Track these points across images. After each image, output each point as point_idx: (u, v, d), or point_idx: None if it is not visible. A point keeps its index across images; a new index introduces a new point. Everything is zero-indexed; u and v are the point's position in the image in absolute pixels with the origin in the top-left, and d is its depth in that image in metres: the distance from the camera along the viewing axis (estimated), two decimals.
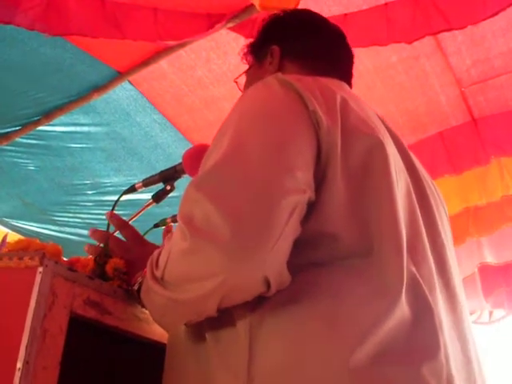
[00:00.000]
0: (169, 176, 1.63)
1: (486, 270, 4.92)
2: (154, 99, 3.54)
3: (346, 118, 1.07)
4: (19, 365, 0.93)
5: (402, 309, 0.98)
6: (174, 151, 3.85)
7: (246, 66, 1.63)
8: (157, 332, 1.21)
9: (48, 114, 3.63)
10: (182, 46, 3.15)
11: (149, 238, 1.45)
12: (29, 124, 3.70)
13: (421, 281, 1.04)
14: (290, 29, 1.41)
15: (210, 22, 2.90)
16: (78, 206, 4.43)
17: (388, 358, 0.93)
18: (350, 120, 1.08)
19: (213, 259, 0.89)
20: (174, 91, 3.50)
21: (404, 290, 0.99)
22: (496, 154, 3.84)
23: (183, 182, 1.63)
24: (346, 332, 0.94)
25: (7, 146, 3.87)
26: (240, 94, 1.40)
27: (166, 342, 1.21)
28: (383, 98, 3.42)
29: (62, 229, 4.66)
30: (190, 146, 3.72)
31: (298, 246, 0.96)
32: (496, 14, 2.69)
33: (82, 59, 3.21)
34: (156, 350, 1.22)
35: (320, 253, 1.00)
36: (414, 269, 1.04)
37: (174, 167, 1.62)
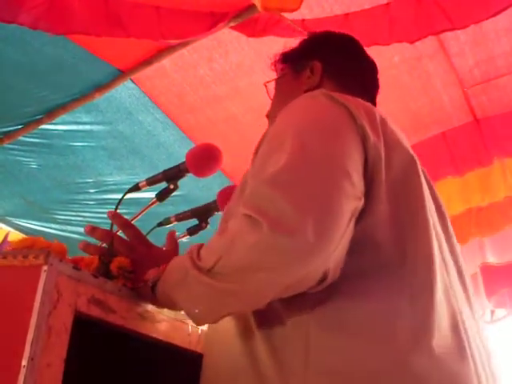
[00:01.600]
0: (172, 175, 1.64)
1: (488, 270, 4.92)
2: (157, 98, 3.54)
3: (386, 135, 1.17)
4: (24, 362, 0.93)
5: (438, 313, 1.09)
6: (176, 150, 3.85)
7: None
8: (160, 331, 1.21)
9: (50, 113, 3.63)
10: (184, 45, 3.15)
11: (151, 237, 1.47)
12: (31, 122, 3.71)
13: (449, 287, 1.17)
14: (332, 49, 1.51)
15: (212, 20, 2.90)
16: (80, 204, 4.43)
17: (446, 355, 1.05)
18: (390, 137, 1.18)
19: (286, 252, 0.96)
20: (176, 90, 3.50)
21: (435, 297, 1.10)
22: (499, 154, 3.85)
23: (186, 182, 1.64)
24: (400, 332, 1.04)
25: (10, 144, 3.87)
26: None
27: (170, 341, 1.22)
28: (385, 97, 3.38)
29: (64, 227, 4.67)
30: (192, 144, 3.76)
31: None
32: (498, 13, 2.69)
33: (84, 58, 3.21)
34: (159, 349, 1.22)
35: (363, 259, 1.09)
36: (444, 276, 1.17)
37: (178, 166, 1.63)
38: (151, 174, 4.12)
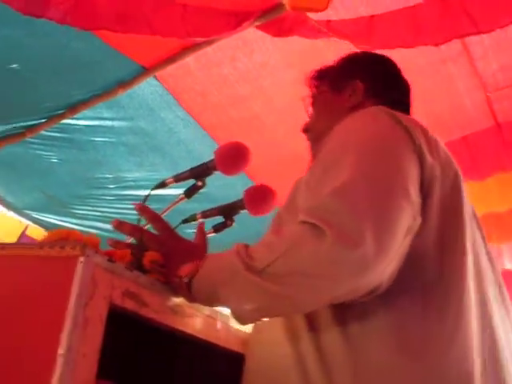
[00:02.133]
0: (200, 172, 1.64)
1: (505, 277, 4.89)
2: (179, 95, 3.55)
3: (439, 154, 1.23)
4: (61, 351, 0.94)
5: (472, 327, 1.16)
6: (197, 148, 3.86)
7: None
8: (190, 325, 1.22)
9: (73, 108, 3.66)
10: (208, 43, 3.16)
11: None
12: (53, 117, 3.73)
13: (487, 300, 1.24)
14: (373, 69, 1.59)
15: (237, 19, 2.91)
16: (99, 199, 4.46)
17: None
18: (442, 156, 1.24)
19: (347, 264, 1.00)
20: (199, 88, 3.51)
21: (472, 312, 1.17)
22: None
23: (213, 179, 1.65)
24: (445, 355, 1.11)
25: (31, 138, 3.90)
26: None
27: (199, 335, 1.23)
28: None
29: (82, 222, 4.70)
30: (214, 143, 3.78)
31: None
32: None
33: (108, 54, 3.22)
34: (188, 344, 1.23)
35: (410, 274, 1.13)
36: (480, 288, 1.23)
37: (206, 164, 1.64)
38: (171, 171, 4.15)
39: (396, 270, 1.09)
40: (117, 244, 1.30)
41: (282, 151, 3.95)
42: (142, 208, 1.35)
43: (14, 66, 3.27)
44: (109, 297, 1.04)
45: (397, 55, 3.04)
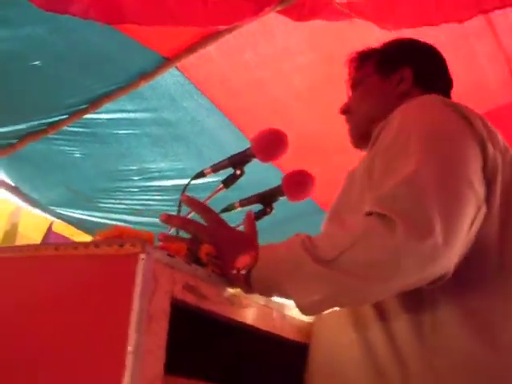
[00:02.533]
0: (238, 160, 1.64)
1: None
2: (201, 84, 3.54)
3: (499, 143, 1.25)
4: (130, 348, 0.94)
5: None
6: (221, 135, 3.85)
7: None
8: (247, 315, 1.22)
9: (95, 102, 3.64)
10: (229, 30, 3.14)
11: None
12: (76, 112, 3.73)
13: None
14: (422, 57, 1.61)
15: (258, 5, 2.88)
16: (123, 192, 4.46)
17: None
18: (501, 145, 1.26)
19: (419, 255, 1.02)
20: (221, 76, 3.50)
21: None
22: None
23: (251, 166, 1.64)
24: None
25: (54, 134, 3.90)
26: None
27: (256, 325, 1.23)
28: None
29: (107, 215, 4.70)
30: (237, 130, 3.77)
31: None
32: None
33: (129, 46, 3.21)
34: (244, 334, 1.24)
35: (474, 262, 1.15)
36: None
37: (244, 151, 1.63)
38: (195, 161, 4.17)
39: (461, 258, 1.10)
40: (168, 238, 1.30)
41: (304, 134, 3.93)
42: (190, 199, 1.34)
43: (36, 63, 3.27)
44: (170, 291, 1.04)
45: (417, 33, 3.04)
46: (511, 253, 1.19)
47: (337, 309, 1.15)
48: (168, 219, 1.33)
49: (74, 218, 4.86)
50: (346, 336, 1.21)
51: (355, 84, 1.62)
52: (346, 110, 1.63)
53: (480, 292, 1.15)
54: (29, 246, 1.18)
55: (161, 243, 1.26)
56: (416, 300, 1.14)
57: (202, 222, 1.31)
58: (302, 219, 4.34)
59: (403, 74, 1.54)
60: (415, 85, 1.52)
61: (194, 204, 1.34)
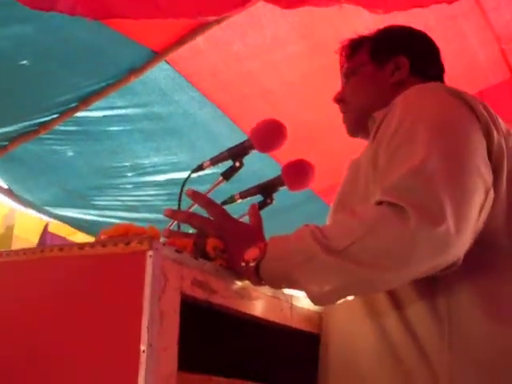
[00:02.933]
0: (237, 152, 1.63)
1: None
2: (191, 77, 3.52)
3: (502, 128, 1.25)
4: (143, 347, 0.94)
5: None
6: (213, 127, 3.83)
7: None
8: (257, 308, 1.22)
9: (85, 100, 3.62)
10: (217, 22, 3.12)
11: None
12: (66, 111, 3.70)
13: None
14: (417, 45, 1.59)
15: None
16: (118, 188, 4.44)
17: None
18: (504, 129, 1.26)
19: (433, 243, 1.02)
20: (211, 68, 3.48)
21: None
22: None
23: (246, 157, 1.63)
24: None
25: (45, 134, 3.88)
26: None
27: (265, 317, 1.23)
28: None
29: (103, 212, 4.68)
30: (229, 121, 3.76)
31: None
32: None
33: (118, 41, 3.18)
34: (256, 326, 1.23)
35: (485, 248, 1.16)
36: None
37: (243, 143, 1.62)
38: (189, 154, 4.15)
39: (471, 245, 1.10)
40: (173, 234, 1.29)
41: (298, 123, 3.92)
42: (195, 194, 1.33)
43: (24, 62, 3.24)
44: (179, 288, 1.04)
45: (404, 15, 3.03)
46: None
47: (349, 298, 1.14)
48: (173, 214, 1.32)
49: (70, 217, 4.84)
50: (361, 325, 1.21)
51: (348, 73, 1.61)
52: (339, 99, 1.62)
53: (492, 274, 1.16)
54: (33, 249, 1.17)
55: (167, 239, 1.25)
56: (430, 285, 1.14)
57: (204, 215, 1.30)
58: (299, 207, 4.34)
59: (399, 62, 1.52)
60: (412, 74, 1.51)
61: (199, 198, 1.33)
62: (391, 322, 1.16)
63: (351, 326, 1.24)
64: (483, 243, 1.14)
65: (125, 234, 1.15)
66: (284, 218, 4.23)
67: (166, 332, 0.99)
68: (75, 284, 1.08)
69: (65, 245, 1.13)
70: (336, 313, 1.28)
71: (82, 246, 1.10)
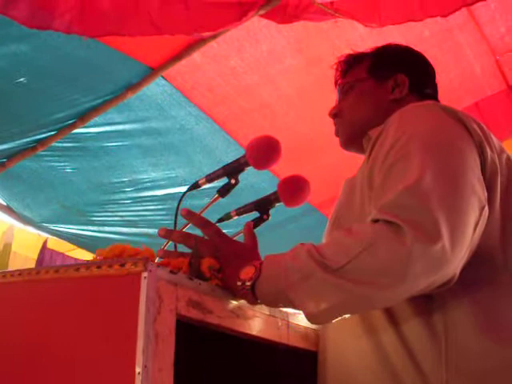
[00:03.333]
0: (233, 170, 1.62)
1: None
2: (188, 92, 3.54)
3: (495, 145, 1.26)
4: (138, 369, 0.94)
5: None
6: (211, 142, 3.84)
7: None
8: (253, 327, 1.21)
9: (83, 116, 3.63)
10: (214, 37, 3.14)
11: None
12: (64, 128, 3.71)
13: None
14: (415, 64, 1.60)
15: (241, 10, 2.88)
16: (117, 204, 4.45)
17: None
18: (497, 147, 1.27)
19: (429, 261, 1.02)
20: (208, 83, 3.50)
21: None
22: None
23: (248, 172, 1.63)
24: None
25: (43, 151, 3.88)
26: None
27: (262, 335, 1.22)
28: None
29: (101, 228, 4.69)
30: (227, 136, 3.77)
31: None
32: None
33: (114, 58, 3.21)
34: (253, 346, 1.23)
35: (480, 264, 1.16)
36: None
37: (238, 160, 1.62)
38: (187, 169, 4.16)
39: (466, 261, 1.11)
40: (168, 254, 1.29)
41: (295, 137, 3.94)
42: (189, 213, 1.33)
43: (21, 79, 3.25)
44: (175, 309, 1.04)
45: (400, 28, 3.04)
46: (510, 254, 1.21)
47: (346, 316, 1.14)
48: (167, 234, 1.32)
49: (69, 233, 4.84)
50: (358, 341, 1.21)
51: (346, 88, 1.60)
52: (335, 114, 1.62)
53: (488, 290, 1.16)
54: (29, 270, 1.16)
55: (161, 259, 1.25)
56: (426, 302, 1.14)
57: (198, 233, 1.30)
58: (297, 221, 4.34)
59: (398, 80, 1.53)
60: (410, 92, 1.52)
61: (193, 217, 1.33)
62: (388, 339, 1.16)
63: (348, 343, 1.23)
64: (479, 259, 1.15)
65: (120, 255, 1.16)
66: (282, 231, 4.24)
67: (162, 353, 0.98)
68: (71, 306, 1.08)
69: (60, 266, 1.13)
70: (333, 330, 1.28)
71: (77, 267, 1.10)
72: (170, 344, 1.01)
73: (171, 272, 1.05)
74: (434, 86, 1.60)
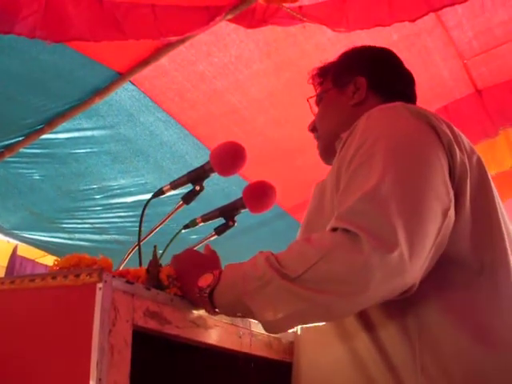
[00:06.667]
0: (197, 176, 1.61)
1: None
2: (157, 97, 3.51)
3: (465, 146, 1.23)
4: (92, 382, 0.91)
5: None
6: (180, 148, 3.81)
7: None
8: (213, 336, 1.20)
9: (51, 122, 3.59)
10: (181, 41, 3.11)
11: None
12: (32, 133, 3.66)
13: None
14: (374, 63, 1.55)
15: (209, 15, 2.86)
16: (86, 211, 4.40)
17: None
18: (467, 147, 1.24)
19: (387, 269, 1.01)
20: (176, 88, 3.47)
21: None
22: (504, 124, 3.83)
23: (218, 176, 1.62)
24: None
25: (11, 157, 3.83)
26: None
27: (222, 345, 1.20)
28: None
29: (72, 236, 4.64)
30: (196, 141, 3.75)
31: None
32: None
33: (81, 63, 3.17)
34: (214, 355, 1.21)
35: (449, 269, 1.15)
36: None
37: (202, 167, 1.60)
38: (156, 175, 4.14)
39: (428, 269, 1.10)
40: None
41: (264, 141, 3.93)
42: None
43: None
44: (131, 320, 1.01)
45: (369, 32, 3.04)
46: (488, 252, 1.19)
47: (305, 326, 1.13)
48: None
49: (39, 240, 4.78)
50: (332, 348, 1.19)
51: (317, 101, 1.60)
52: (312, 128, 1.60)
53: (462, 292, 1.14)
54: None
55: (119, 269, 1.23)
56: (400, 305, 1.13)
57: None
58: (268, 224, 4.33)
59: (356, 83, 1.50)
60: (372, 92, 1.48)
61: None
62: (362, 344, 1.14)
63: (322, 351, 1.21)
64: (449, 261, 1.14)
65: (77, 265, 1.13)
66: (253, 235, 4.23)
67: (117, 365, 0.96)
68: (26, 317, 1.05)
69: (16, 277, 1.10)
70: (306, 338, 1.26)
71: (32, 278, 1.07)
72: (126, 356, 0.98)
73: (127, 282, 1.03)
74: (403, 81, 1.55)
